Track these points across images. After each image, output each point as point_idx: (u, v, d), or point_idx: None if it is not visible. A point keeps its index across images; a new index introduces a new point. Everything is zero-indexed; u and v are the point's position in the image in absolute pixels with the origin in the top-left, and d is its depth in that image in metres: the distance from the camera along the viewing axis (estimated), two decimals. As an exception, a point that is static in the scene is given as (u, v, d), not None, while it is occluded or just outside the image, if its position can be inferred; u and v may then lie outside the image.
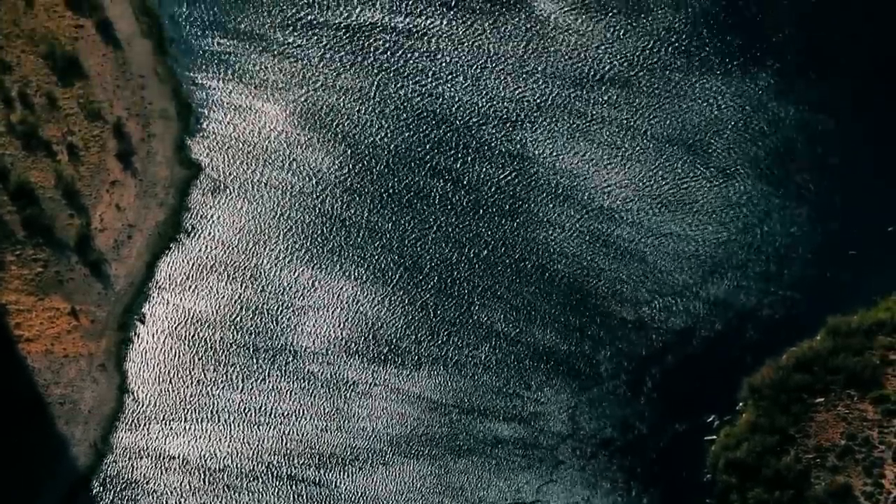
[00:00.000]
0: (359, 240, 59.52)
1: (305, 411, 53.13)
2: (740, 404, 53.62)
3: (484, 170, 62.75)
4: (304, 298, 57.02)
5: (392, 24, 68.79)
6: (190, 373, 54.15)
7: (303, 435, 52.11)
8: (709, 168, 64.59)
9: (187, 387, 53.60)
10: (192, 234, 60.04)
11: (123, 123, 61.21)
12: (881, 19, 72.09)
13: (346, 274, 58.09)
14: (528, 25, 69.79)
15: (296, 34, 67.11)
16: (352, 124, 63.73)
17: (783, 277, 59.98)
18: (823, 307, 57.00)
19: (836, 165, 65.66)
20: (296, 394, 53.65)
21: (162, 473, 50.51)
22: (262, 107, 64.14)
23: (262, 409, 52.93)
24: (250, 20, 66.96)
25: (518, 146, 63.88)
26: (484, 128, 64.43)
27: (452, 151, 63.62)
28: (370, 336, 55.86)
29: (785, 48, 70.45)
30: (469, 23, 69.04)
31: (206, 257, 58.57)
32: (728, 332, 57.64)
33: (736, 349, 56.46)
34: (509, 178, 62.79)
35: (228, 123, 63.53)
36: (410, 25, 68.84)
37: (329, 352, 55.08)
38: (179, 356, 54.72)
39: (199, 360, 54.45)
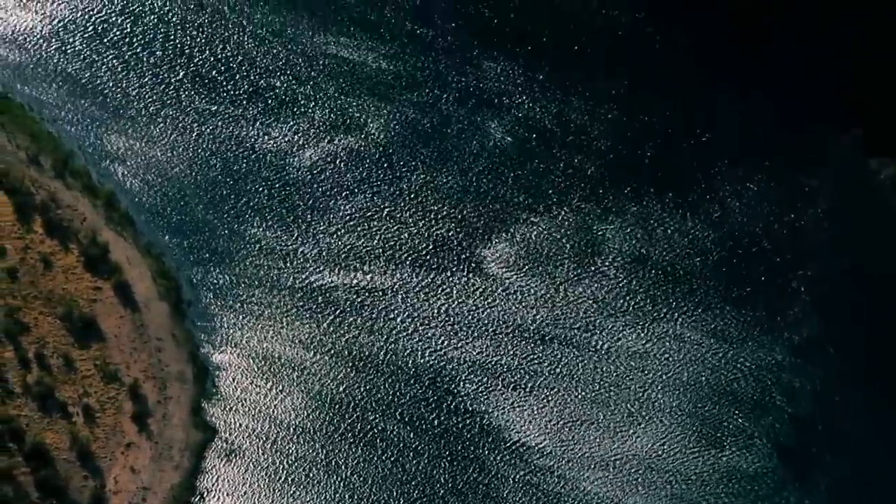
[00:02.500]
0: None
1: None
2: None
3: (444, 420, 67.94)
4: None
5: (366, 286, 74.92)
6: None
7: None
8: (720, 442, 69.80)
9: None
10: (207, 497, 62.88)
11: (140, 385, 64.81)
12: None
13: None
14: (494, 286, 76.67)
15: (306, 299, 72.47)
16: (350, 389, 68.40)
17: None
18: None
19: (851, 438, 71.45)
20: None
21: None
22: (277, 372, 68.38)
23: None
24: (265, 285, 72.02)
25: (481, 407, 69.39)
26: (452, 381, 69.96)
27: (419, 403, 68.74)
28: None
29: (800, 320, 77.53)
30: (424, 281, 75.10)
31: (222, 522, 61.59)
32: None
33: None
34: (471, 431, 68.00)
35: (244, 387, 67.45)
36: (390, 284, 75.03)
37: None
38: None
39: None
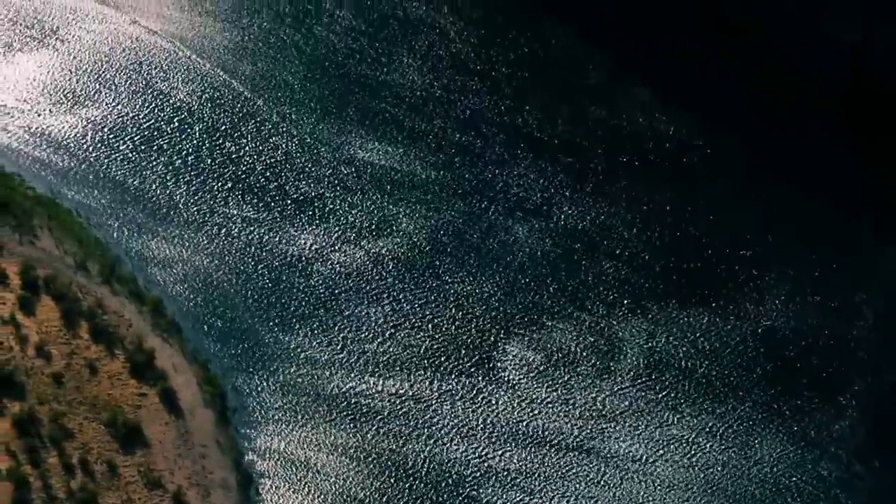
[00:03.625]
0: None
1: None
2: None
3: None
4: None
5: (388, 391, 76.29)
6: None
7: None
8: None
9: None
10: None
11: (183, 493, 65.93)
12: None
13: None
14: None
15: (347, 407, 73.89)
16: (387, 496, 69.69)
17: None
18: None
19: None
20: None
21: None
22: (319, 480, 69.57)
23: None
24: (308, 393, 73.55)
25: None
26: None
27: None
28: None
29: (845, 437, 77.74)
30: (456, 388, 76.17)
31: None
32: None
33: None
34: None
35: (287, 495, 68.53)
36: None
37: None
38: None
39: None
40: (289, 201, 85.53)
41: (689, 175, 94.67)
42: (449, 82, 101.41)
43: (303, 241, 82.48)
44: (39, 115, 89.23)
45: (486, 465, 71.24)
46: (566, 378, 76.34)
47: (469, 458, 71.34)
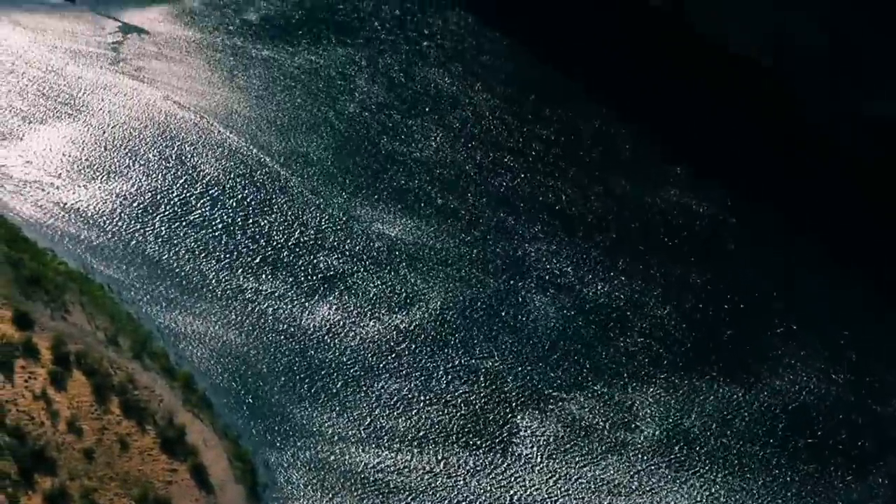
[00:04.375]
0: None
1: None
2: None
3: None
4: None
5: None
6: None
7: None
8: None
9: None
10: None
11: (213, 570, 67.15)
12: None
13: None
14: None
15: (376, 483, 74.65)
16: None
17: None
18: None
19: None
20: None
21: None
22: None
23: None
24: (338, 469, 74.28)
25: None
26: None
27: None
28: None
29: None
30: (471, 462, 76.69)
31: None
32: None
33: None
34: None
35: (318, 574, 69.76)
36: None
37: None
38: None
39: None
40: (319, 276, 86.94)
41: (720, 251, 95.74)
42: (482, 159, 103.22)
43: (333, 317, 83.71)
44: (72, 190, 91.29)
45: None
46: (556, 447, 76.81)
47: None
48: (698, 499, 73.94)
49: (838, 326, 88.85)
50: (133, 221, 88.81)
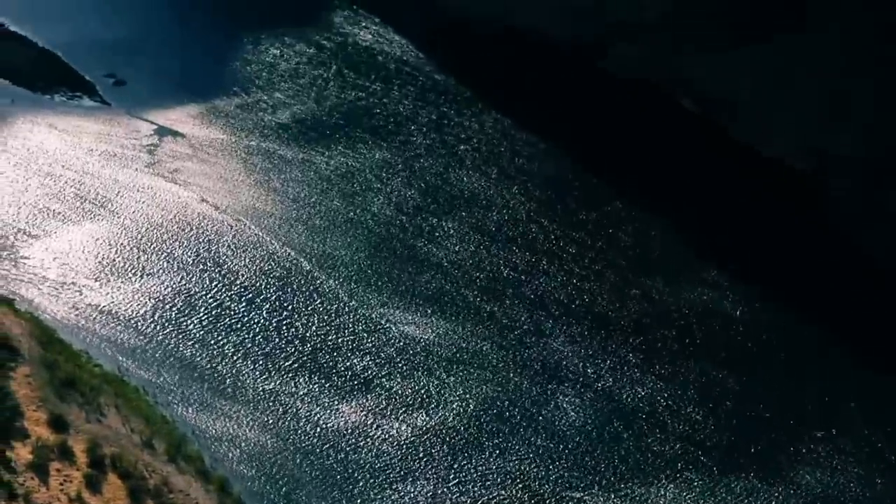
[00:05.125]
0: None
1: None
2: None
3: None
4: None
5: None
6: None
7: None
8: None
9: None
10: None
11: None
12: None
13: None
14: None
15: None
16: None
17: None
18: None
19: None
20: None
21: None
22: None
23: None
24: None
25: None
26: None
27: None
28: None
29: None
30: None
31: None
32: None
33: None
34: None
35: None
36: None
37: None
38: None
39: None
40: (355, 379, 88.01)
41: (755, 355, 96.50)
42: (518, 262, 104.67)
43: (367, 420, 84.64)
44: (107, 292, 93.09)
45: None
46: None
47: None
48: None
49: (874, 430, 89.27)
50: (168, 323, 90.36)
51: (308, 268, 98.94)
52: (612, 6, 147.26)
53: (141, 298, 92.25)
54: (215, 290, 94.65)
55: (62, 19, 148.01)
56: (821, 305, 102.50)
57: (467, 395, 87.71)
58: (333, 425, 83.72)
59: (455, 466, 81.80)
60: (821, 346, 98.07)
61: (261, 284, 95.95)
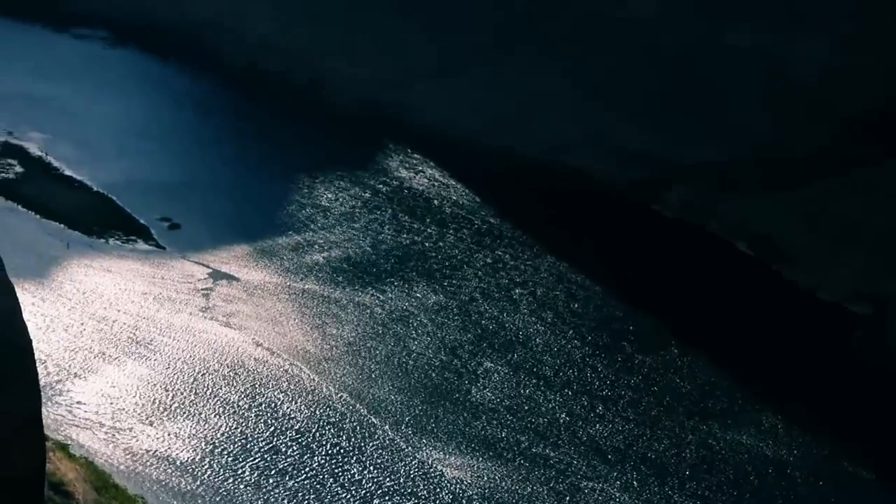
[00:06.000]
0: None
1: None
2: None
3: None
4: None
5: None
6: None
7: None
8: None
9: None
10: None
11: None
12: None
13: None
14: None
15: None
16: None
17: None
18: None
19: None
20: None
21: None
22: None
23: None
24: None
25: None
26: None
27: None
28: None
29: None
30: None
31: None
32: None
33: None
34: None
35: None
36: None
37: None
38: None
39: None
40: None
41: (815, 500, 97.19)
42: (574, 406, 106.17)
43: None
44: (162, 436, 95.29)
45: None
46: None
47: None
48: None
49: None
50: (222, 467, 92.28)
51: (363, 412, 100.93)
52: (666, 149, 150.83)
53: (195, 442, 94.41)
54: (269, 434, 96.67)
55: (117, 161, 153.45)
56: (878, 454, 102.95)
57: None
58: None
59: None
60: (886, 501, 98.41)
61: (315, 429, 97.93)
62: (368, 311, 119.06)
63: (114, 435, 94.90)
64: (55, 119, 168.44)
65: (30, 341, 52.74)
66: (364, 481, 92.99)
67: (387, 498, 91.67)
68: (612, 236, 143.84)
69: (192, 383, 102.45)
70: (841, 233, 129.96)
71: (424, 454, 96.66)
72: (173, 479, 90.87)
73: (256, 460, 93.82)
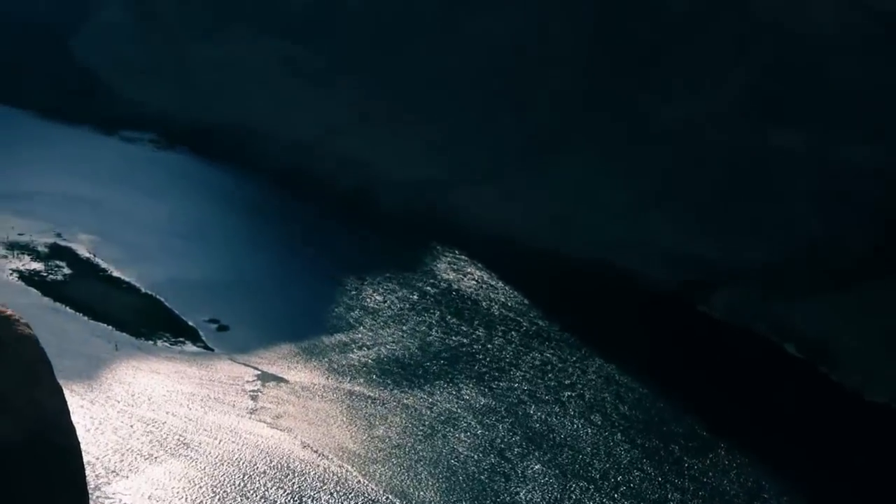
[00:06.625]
0: None
1: None
2: None
3: None
4: None
5: None
6: None
7: None
8: None
9: None
10: None
11: None
12: None
13: None
14: None
15: None
16: None
17: None
18: None
19: None
20: None
21: None
22: None
23: None
24: None
25: None
26: None
27: None
28: None
29: None
30: None
31: None
32: None
33: None
34: None
35: None
36: None
37: None
38: None
39: None
40: None
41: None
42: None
43: None
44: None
45: None
46: None
47: None
48: None
49: None
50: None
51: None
52: (714, 251, 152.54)
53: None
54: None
55: (165, 262, 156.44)
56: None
57: None
58: None
59: None
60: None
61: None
62: (416, 412, 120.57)
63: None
64: (104, 221, 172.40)
65: (78, 444, 53.44)
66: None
67: None
68: (660, 338, 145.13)
69: (240, 485, 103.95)
70: (889, 336, 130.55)
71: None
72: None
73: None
